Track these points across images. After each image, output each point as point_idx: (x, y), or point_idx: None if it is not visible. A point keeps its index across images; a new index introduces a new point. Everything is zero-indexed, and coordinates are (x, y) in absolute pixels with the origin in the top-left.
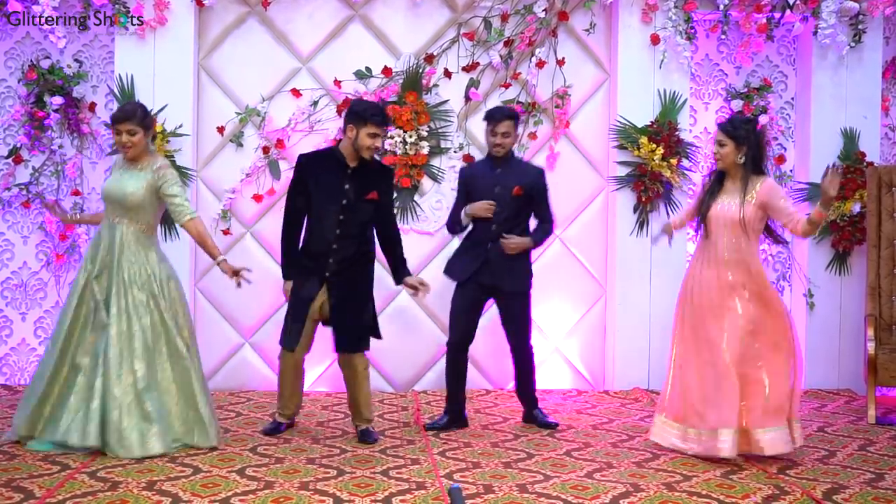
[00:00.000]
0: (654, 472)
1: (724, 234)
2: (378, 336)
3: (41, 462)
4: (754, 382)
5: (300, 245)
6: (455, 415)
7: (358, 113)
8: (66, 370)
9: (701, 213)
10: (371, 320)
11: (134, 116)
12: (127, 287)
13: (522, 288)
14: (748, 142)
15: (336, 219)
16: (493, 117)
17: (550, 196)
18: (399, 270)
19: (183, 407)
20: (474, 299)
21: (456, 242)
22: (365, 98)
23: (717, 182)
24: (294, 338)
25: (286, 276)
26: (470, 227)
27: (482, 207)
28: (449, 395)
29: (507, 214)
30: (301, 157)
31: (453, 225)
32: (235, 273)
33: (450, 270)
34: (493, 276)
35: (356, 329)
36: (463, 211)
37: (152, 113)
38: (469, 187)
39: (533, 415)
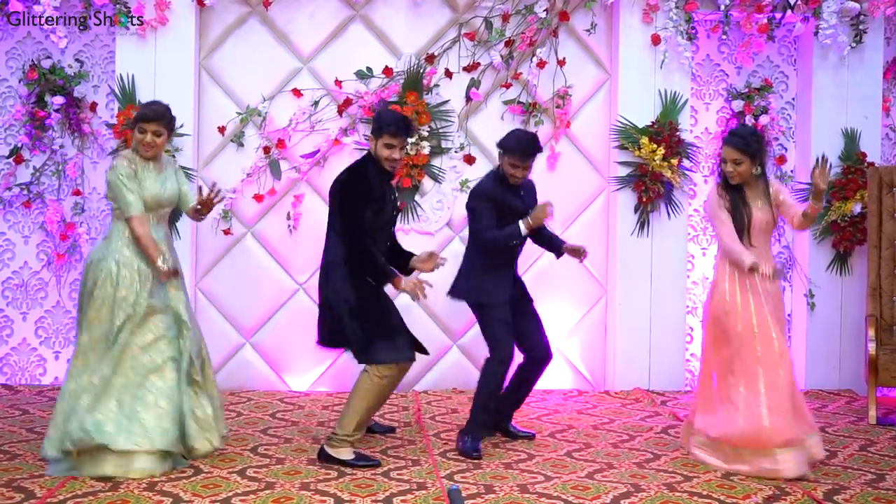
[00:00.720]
0: (654, 472)
1: (763, 241)
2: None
3: (42, 462)
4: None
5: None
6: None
7: (374, 123)
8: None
9: (745, 224)
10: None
11: (164, 118)
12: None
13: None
14: (760, 154)
15: (391, 229)
16: (522, 153)
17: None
18: (406, 256)
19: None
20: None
21: (457, 245)
22: (366, 98)
23: (738, 193)
24: (410, 346)
25: (394, 279)
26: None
27: (542, 211)
28: (493, 408)
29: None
30: (358, 172)
31: (509, 239)
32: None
33: (483, 294)
34: (515, 289)
35: None
36: (524, 223)
37: None
38: (498, 211)
39: (512, 427)
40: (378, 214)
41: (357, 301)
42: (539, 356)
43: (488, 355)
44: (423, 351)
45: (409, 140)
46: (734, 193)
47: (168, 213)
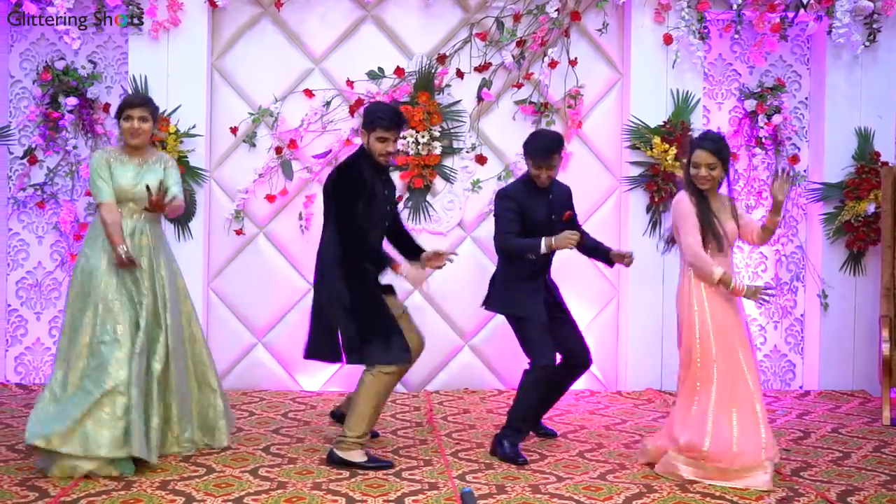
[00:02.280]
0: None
1: (730, 253)
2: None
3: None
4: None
5: (357, 258)
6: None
7: (366, 117)
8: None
9: (719, 233)
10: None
11: (147, 104)
12: (167, 283)
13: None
14: (730, 161)
15: (384, 224)
16: (540, 154)
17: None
18: (418, 251)
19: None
20: (545, 315)
21: (468, 246)
22: (377, 98)
23: (705, 202)
24: (405, 348)
25: (393, 264)
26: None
27: (568, 239)
28: (534, 416)
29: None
30: (347, 169)
31: (525, 251)
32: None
33: (517, 306)
34: (548, 295)
35: None
36: (545, 242)
37: (165, 113)
38: (522, 215)
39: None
40: (371, 209)
41: (352, 302)
42: (578, 363)
43: (527, 366)
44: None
45: (402, 133)
46: (703, 202)
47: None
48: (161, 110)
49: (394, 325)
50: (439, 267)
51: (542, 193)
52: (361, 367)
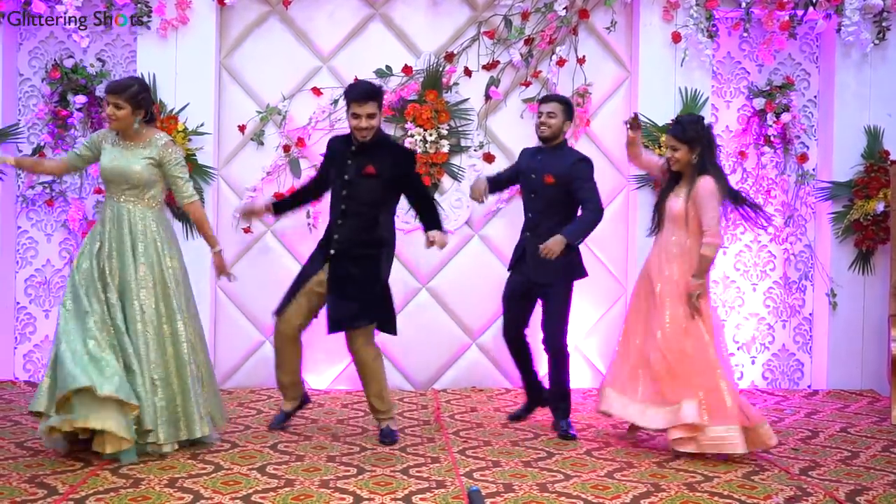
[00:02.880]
0: (674, 471)
1: (671, 229)
2: (392, 331)
3: (64, 458)
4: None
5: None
6: (531, 399)
7: (344, 97)
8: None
9: (655, 206)
10: (381, 310)
11: (124, 91)
12: (137, 266)
13: (551, 279)
14: (700, 143)
15: (339, 195)
16: (542, 99)
17: (592, 183)
18: (430, 223)
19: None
20: (516, 288)
21: (476, 244)
22: (385, 96)
23: (673, 179)
24: (283, 303)
25: (272, 205)
26: (441, 247)
27: (478, 190)
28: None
29: (540, 205)
30: (331, 138)
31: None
32: (222, 271)
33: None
34: (528, 267)
35: (348, 306)
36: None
37: (173, 111)
38: (518, 170)
39: (558, 426)
40: (332, 179)
41: (385, 279)
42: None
43: (557, 339)
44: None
45: (372, 103)
46: (671, 180)
47: (133, 192)
48: (169, 108)
49: (294, 284)
50: (441, 247)
51: (536, 153)
52: None
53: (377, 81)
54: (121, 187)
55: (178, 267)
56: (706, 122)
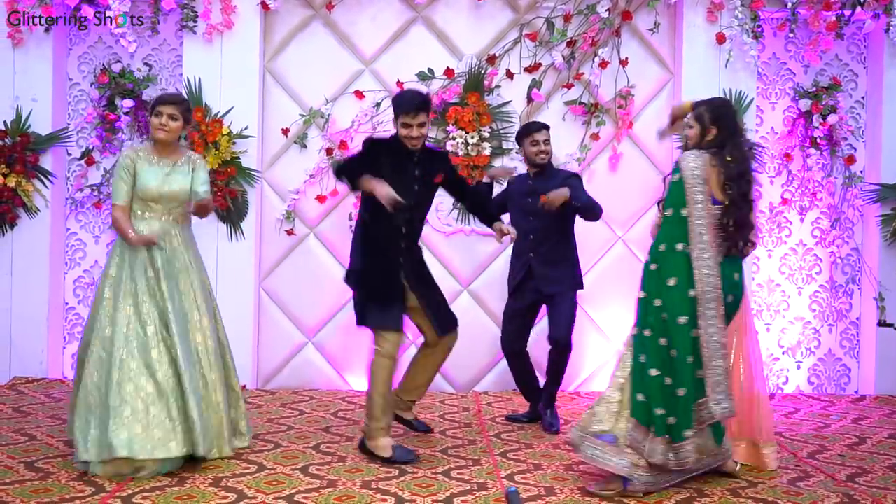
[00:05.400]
0: (718, 477)
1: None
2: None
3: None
4: None
5: (368, 243)
6: (532, 413)
7: (393, 106)
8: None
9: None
10: None
11: (180, 103)
12: (192, 284)
13: (563, 289)
14: (713, 123)
15: (407, 204)
16: (529, 128)
17: (584, 189)
18: (492, 216)
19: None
20: (521, 306)
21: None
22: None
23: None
24: (398, 316)
25: (362, 179)
26: (513, 239)
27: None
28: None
29: (539, 225)
30: (370, 140)
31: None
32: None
33: (509, 282)
34: (537, 283)
35: (447, 306)
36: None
37: (218, 115)
38: (509, 196)
39: (544, 413)
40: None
41: (363, 269)
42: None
43: (565, 334)
44: None
45: (424, 114)
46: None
47: (179, 210)
48: (214, 112)
49: (394, 294)
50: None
51: (528, 178)
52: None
53: (421, 86)
54: (169, 206)
55: (207, 280)
56: (734, 110)
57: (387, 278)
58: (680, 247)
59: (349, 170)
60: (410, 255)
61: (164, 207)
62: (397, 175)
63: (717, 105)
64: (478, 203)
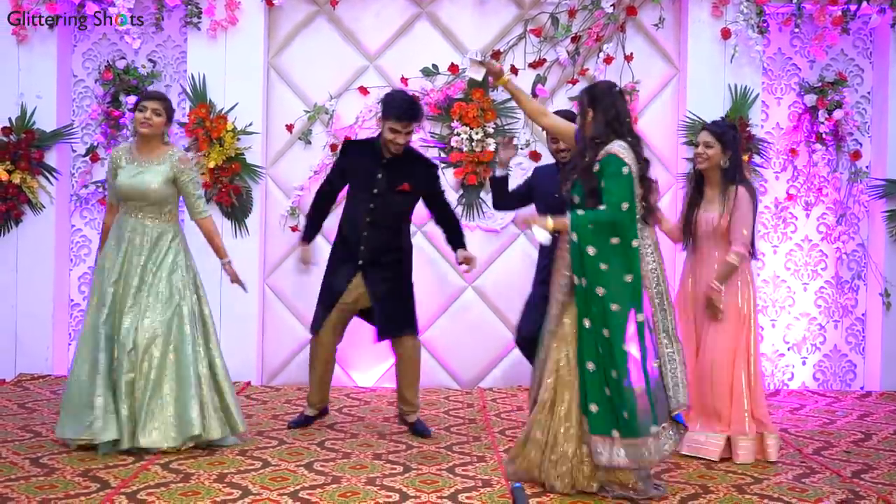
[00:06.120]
0: (723, 473)
1: (711, 245)
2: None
3: (115, 453)
4: None
5: (337, 231)
6: None
7: (382, 105)
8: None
9: (685, 222)
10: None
11: (164, 100)
12: (159, 279)
13: None
14: (733, 149)
15: (366, 207)
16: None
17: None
18: (455, 240)
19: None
20: (541, 295)
21: (522, 243)
22: (431, 95)
23: (696, 191)
24: (319, 322)
25: (303, 239)
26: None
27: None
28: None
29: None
30: (346, 141)
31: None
32: (235, 280)
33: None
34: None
35: (400, 314)
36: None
37: (222, 111)
38: (532, 189)
39: None
40: (355, 189)
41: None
42: None
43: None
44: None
45: (415, 124)
46: (694, 192)
47: (152, 208)
48: (218, 108)
49: (325, 300)
50: (467, 268)
51: (555, 172)
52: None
53: (424, 81)
54: (140, 204)
55: (194, 278)
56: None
57: (334, 283)
58: (635, 243)
59: (309, 216)
60: (373, 265)
61: (135, 205)
62: (362, 179)
63: (736, 133)
64: (447, 224)
